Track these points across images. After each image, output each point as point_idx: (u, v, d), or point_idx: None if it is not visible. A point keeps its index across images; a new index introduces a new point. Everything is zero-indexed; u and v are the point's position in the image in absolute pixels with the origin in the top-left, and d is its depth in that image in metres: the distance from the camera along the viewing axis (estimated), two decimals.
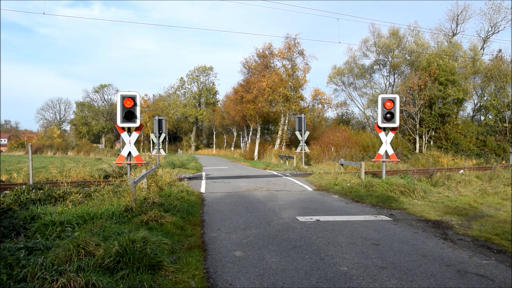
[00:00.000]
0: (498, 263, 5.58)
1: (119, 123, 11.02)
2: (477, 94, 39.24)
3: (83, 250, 5.06)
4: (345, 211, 9.35)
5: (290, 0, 50.44)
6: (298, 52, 39.76)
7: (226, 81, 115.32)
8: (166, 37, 74.72)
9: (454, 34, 42.14)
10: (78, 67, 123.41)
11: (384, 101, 13.13)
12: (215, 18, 69.15)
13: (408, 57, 41.52)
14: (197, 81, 79.16)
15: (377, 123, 13.46)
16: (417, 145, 33.33)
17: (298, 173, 19.85)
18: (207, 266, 5.38)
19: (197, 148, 77.35)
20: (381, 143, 13.58)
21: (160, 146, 22.69)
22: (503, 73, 34.75)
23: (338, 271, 5.19)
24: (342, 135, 30.82)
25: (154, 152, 24.26)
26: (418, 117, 32.98)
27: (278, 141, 38.70)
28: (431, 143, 33.57)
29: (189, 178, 16.28)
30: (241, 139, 53.90)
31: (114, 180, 12.03)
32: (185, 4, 69.99)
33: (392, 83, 43.85)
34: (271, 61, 40.10)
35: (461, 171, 16.77)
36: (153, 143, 24.42)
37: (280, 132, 39.14)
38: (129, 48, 67.16)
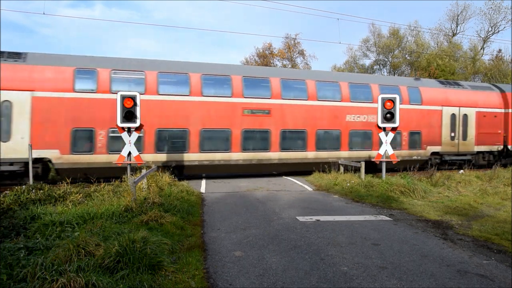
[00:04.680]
0: (498, 263, 5.58)
1: (119, 123, 11.00)
2: None
3: (83, 250, 5.06)
4: (345, 211, 9.35)
5: (290, 0, 50.43)
6: (298, 52, 39.83)
7: None
8: (167, 37, 74.74)
9: (454, 34, 42.14)
10: None
11: (384, 101, 13.13)
12: (215, 18, 69.12)
13: (408, 57, 41.52)
14: None
15: (377, 123, 13.45)
16: None
17: None
18: (207, 266, 5.38)
19: None
20: (381, 143, 13.57)
21: None
22: (503, 73, 34.77)
23: (338, 271, 5.19)
24: None
25: None
26: None
27: None
28: None
29: None
30: None
31: (114, 180, 12.02)
32: (185, 4, 69.94)
33: None
34: (271, 61, 40.13)
35: (461, 171, 16.76)
36: None
37: None
38: (130, 48, 67.30)
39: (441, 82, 20.11)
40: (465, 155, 19.57)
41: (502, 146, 20.26)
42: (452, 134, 19.18)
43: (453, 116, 19.24)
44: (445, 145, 18.98)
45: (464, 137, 19.51)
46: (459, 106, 19.35)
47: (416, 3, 64.28)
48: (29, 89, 13.20)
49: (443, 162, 19.24)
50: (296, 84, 16.75)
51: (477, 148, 19.82)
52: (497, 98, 20.48)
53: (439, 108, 18.88)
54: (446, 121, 19.04)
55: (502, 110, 20.38)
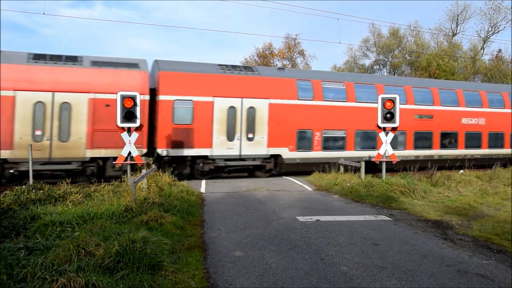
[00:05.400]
0: (498, 263, 5.58)
1: (119, 123, 10.98)
2: None
3: (83, 250, 5.06)
4: (345, 211, 9.35)
5: (290, 0, 50.48)
6: (298, 52, 39.84)
7: None
8: (167, 37, 74.77)
9: (454, 34, 42.14)
10: None
11: (384, 101, 13.12)
12: (215, 18, 69.21)
13: (408, 57, 41.52)
14: None
15: (377, 123, 13.44)
16: None
17: None
18: (207, 266, 5.38)
19: None
20: (381, 143, 13.56)
21: None
22: (503, 73, 34.77)
23: (338, 271, 5.19)
24: None
25: None
26: None
27: None
28: None
29: None
30: None
31: (114, 180, 12.02)
32: (185, 4, 70.00)
33: None
34: (271, 61, 40.12)
35: (461, 171, 16.75)
36: None
37: None
38: (131, 48, 67.31)
39: (40, 57, 13.82)
40: (68, 163, 13.61)
41: (145, 150, 14.36)
42: (39, 132, 13.19)
43: (39, 105, 13.17)
44: (21, 148, 12.80)
45: (65, 136, 13.48)
46: (55, 91, 13.35)
47: (416, 3, 64.38)
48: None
49: (14, 177, 13.06)
50: None
51: (91, 153, 13.77)
52: (138, 79, 14.34)
53: (10, 93, 12.83)
54: (25, 112, 13.00)
55: (146, 97, 14.22)
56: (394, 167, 17.19)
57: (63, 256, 4.88)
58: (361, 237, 6.93)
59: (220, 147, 15.10)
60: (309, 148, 16.34)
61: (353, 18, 78.10)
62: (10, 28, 66.70)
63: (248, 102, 15.23)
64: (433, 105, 18.61)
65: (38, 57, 13.75)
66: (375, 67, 44.57)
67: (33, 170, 12.22)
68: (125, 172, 12.77)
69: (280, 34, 58.22)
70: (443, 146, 18.76)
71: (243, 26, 70.54)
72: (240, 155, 15.42)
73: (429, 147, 18.48)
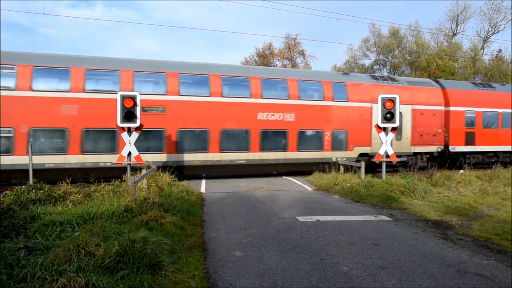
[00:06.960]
0: (498, 263, 5.58)
1: (119, 123, 10.99)
2: None
3: (83, 250, 5.07)
4: (345, 211, 9.35)
5: (290, 0, 50.47)
6: (299, 52, 39.83)
7: None
8: (168, 37, 74.84)
9: (454, 34, 42.14)
10: None
11: (384, 101, 13.12)
12: (215, 18, 69.24)
13: (408, 57, 41.51)
14: None
15: (377, 123, 13.44)
16: None
17: None
18: (207, 266, 5.39)
19: None
20: (381, 143, 13.56)
21: None
22: (503, 73, 34.76)
23: (338, 271, 5.19)
24: None
25: None
26: None
27: None
28: None
29: None
30: None
31: (114, 180, 12.01)
32: (186, 4, 70.05)
33: None
34: (271, 61, 40.11)
35: (461, 171, 16.75)
36: None
37: None
38: (132, 48, 67.39)
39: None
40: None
41: None
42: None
43: None
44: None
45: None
46: None
47: (416, 3, 64.39)
48: None
49: None
50: None
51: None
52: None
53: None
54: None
55: None
56: None
57: (63, 256, 4.88)
58: (361, 237, 6.93)
59: None
60: None
61: (353, 18, 78.12)
62: (10, 28, 66.74)
63: None
64: None
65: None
66: (375, 67, 44.57)
67: None
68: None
69: (280, 34, 58.25)
70: None
71: (243, 26, 70.57)
72: None
73: None
